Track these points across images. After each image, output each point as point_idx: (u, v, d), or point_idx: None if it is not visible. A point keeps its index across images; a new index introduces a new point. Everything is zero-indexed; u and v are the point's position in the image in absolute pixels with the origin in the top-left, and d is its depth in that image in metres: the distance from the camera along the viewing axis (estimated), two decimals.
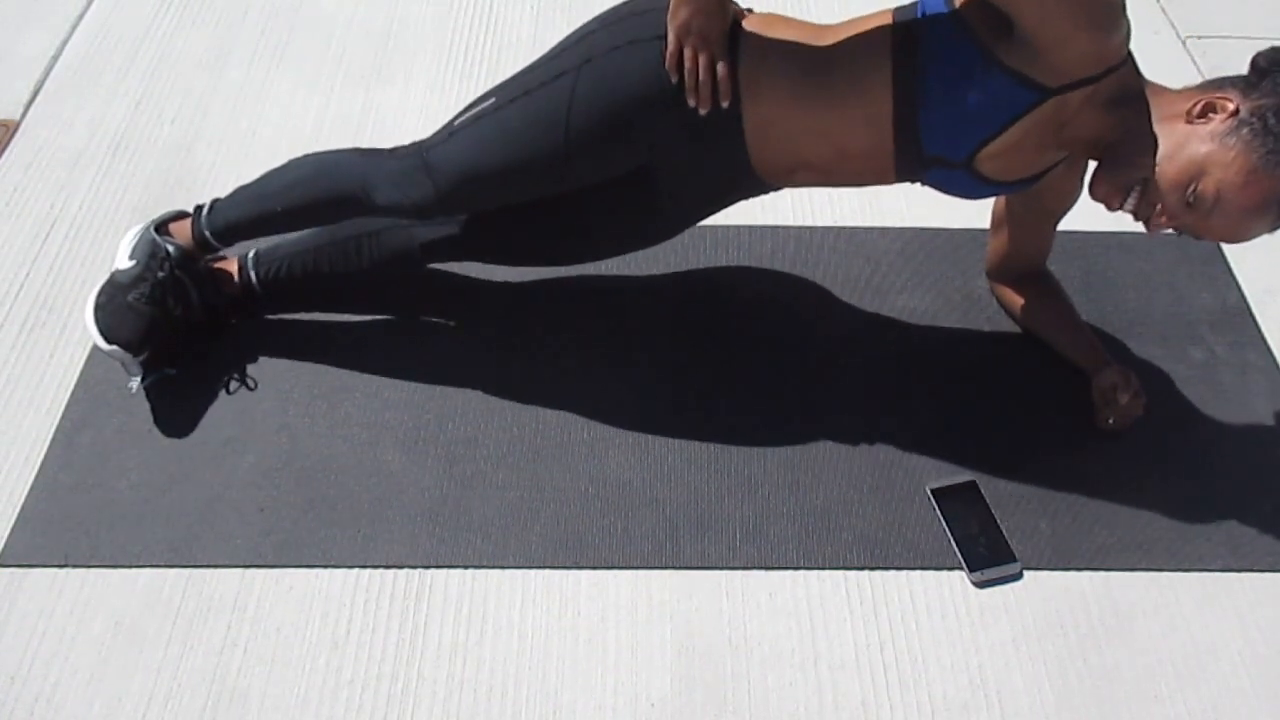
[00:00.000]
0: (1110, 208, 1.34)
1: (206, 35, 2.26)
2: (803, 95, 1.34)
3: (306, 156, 1.60)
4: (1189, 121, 1.28)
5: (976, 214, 1.85)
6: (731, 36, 1.34)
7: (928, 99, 1.29)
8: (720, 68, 1.32)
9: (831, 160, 1.39)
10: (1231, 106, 1.26)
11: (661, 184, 1.50)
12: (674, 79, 1.34)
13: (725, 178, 1.47)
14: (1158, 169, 1.28)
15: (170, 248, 1.60)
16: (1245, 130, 1.25)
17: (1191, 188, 1.27)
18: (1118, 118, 1.30)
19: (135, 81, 2.15)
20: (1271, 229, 1.30)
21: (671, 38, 1.32)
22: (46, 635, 1.39)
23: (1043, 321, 1.71)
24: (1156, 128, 1.30)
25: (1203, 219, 1.29)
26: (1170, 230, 1.33)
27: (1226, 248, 1.89)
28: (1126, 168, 1.30)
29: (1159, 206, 1.30)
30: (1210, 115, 1.27)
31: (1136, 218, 1.33)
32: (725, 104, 1.34)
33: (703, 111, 1.35)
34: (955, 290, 1.81)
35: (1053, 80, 1.24)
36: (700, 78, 1.32)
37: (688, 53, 1.31)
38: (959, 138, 1.31)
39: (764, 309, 1.77)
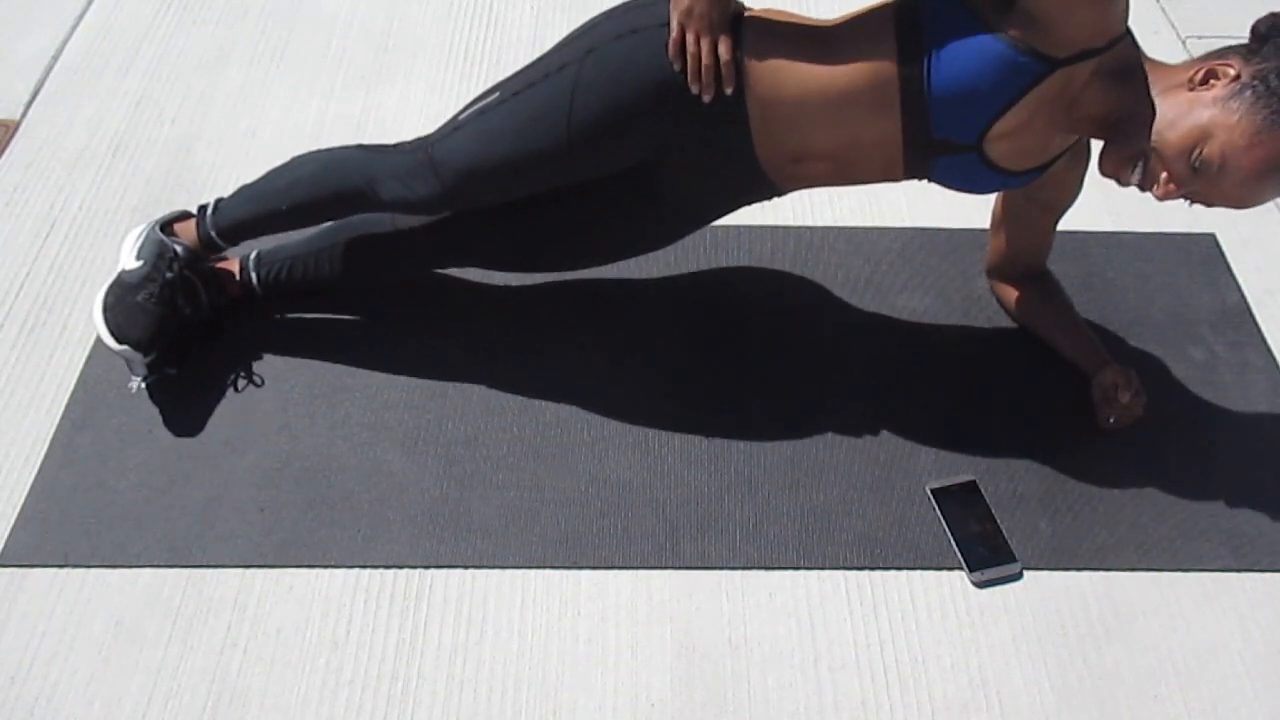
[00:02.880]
0: (1120, 181, 1.34)
1: (206, 35, 2.26)
2: (807, 79, 1.34)
3: (309, 154, 1.60)
4: (1191, 89, 1.29)
5: (976, 214, 1.85)
6: (734, 25, 1.34)
7: (935, 78, 1.29)
8: (723, 53, 1.32)
9: (838, 149, 1.39)
10: (1233, 72, 1.27)
11: (665, 183, 1.49)
12: (677, 66, 1.34)
13: (730, 174, 1.47)
14: (1162, 136, 1.29)
15: (178, 248, 1.60)
16: (1248, 93, 1.26)
17: (1196, 152, 1.27)
18: (1121, 92, 1.31)
19: (135, 81, 2.15)
20: (1278, 193, 1.30)
21: (674, 24, 1.32)
22: (46, 635, 1.39)
23: (1043, 321, 1.71)
24: (1158, 98, 1.31)
25: (1210, 184, 1.29)
26: (1180, 199, 1.33)
27: (1226, 247, 1.89)
28: (1132, 139, 1.31)
29: (1165, 174, 1.31)
30: (1212, 81, 1.29)
31: (1143, 188, 1.34)
32: (729, 90, 1.34)
33: (706, 98, 1.35)
34: (955, 290, 1.81)
35: (1059, 51, 1.24)
36: (704, 63, 1.32)
37: (690, 38, 1.32)
38: (968, 116, 1.31)
39: (764, 309, 1.77)
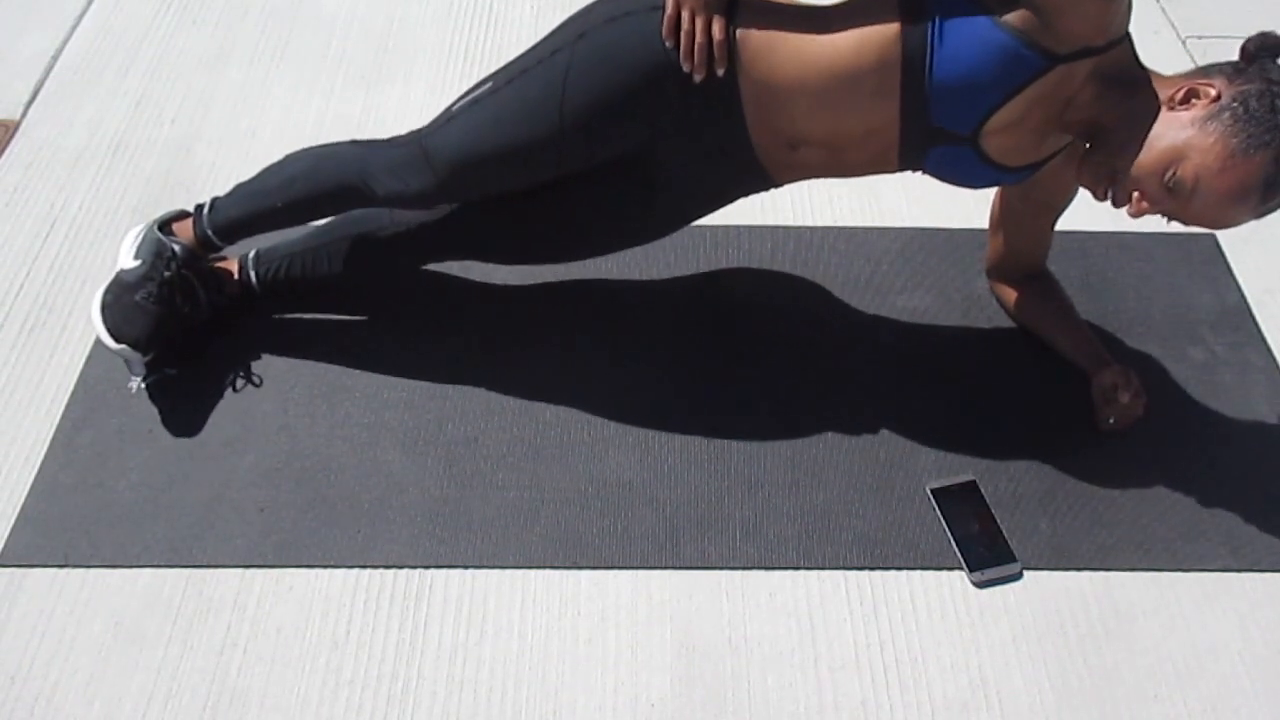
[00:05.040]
0: (1095, 195, 1.34)
1: (206, 35, 2.26)
2: (803, 58, 1.33)
3: (304, 150, 1.60)
4: (1170, 108, 1.29)
5: (976, 214, 1.85)
6: (729, 6, 1.34)
7: (937, 65, 1.28)
8: (716, 32, 1.31)
9: (834, 135, 1.38)
10: (1214, 92, 1.26)
11: (662, 172, 1.49)
12: (670, 44, 1.33)
13: (726, 161, 1.46)
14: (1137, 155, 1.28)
15: (176, 247, 1.60)
16: (1226, 115, 1.25)
17: (1170, 173, 1.26)
18: (1116, 99, 1.31)
19: (135, 81, 2.15)
20: (1256, 214, 1.29)
21: (670, 2, 1.32)
22: (46, 635, 1.39)
23: (1043, 321, 1.71)
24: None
25: (1183, 204, 1.28)
26: (1158, 216, 1.33)
27: (1226, 247, 1.89)
28: (1112, 153, 1.31)
29: (1137, 193, 1.30)
30: (1193, 101, 1.27)
31: (1116, 205, 1.33)
32: (720, 71, 1.34)
33: (697, 78, 1.34)
34: (955, 290, 1.81)
35: (1059, 47, 1.24)
36: (697, 40, 1.31)
37: (684, 15, 1.31)
38: (967, 106, 1.31)
39: (764, 309, 1.77)
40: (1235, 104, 1.25)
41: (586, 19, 1.40)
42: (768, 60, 1.34)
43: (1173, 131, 1.27)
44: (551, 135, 1.40)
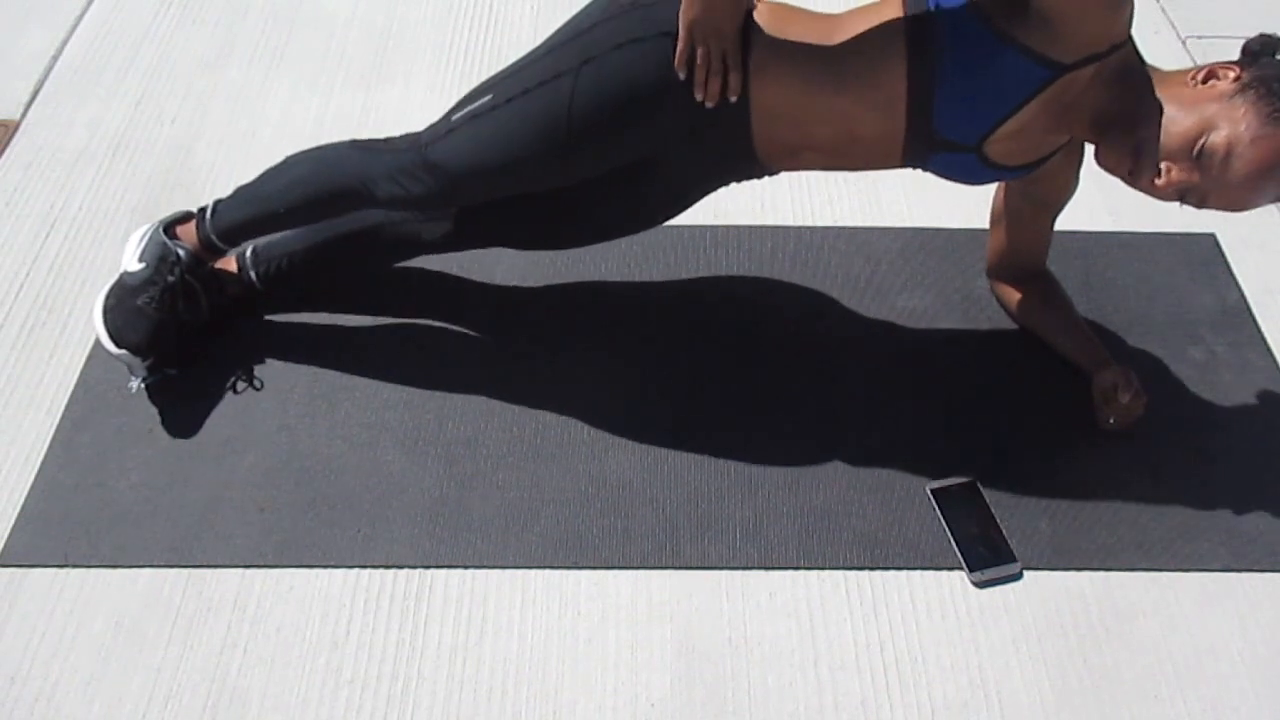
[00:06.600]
0: (1122, 173, 1.33)
1: (206, 35, 2.26)
2: (814, 82, 1.34)
3: (304, 153, 1.60)
4: (1193, 87, 1.31)
5: (976, 214, 1.85)
6: (742, 34, 1.34)
7: (943, 82, 1.29)
8: (731, 63, 1.31)
9: (838, 143, 1.39)
10: (1234, 74, 1.29)
11: (660, 170, 1.49)
12: (683, 76, 1.33)
13: (725, 162, 1.47)
14: (1165, 129, 1.29)
15: (181, 252, 1.60)
16: (1251, 92, 1.27)
17: (1201, 142, 1.27)
18: (1120, 91, 1.32)
19: (135, 81, 2.15)
20: (1275, 197, 1.31)
21: (683, 33, 1.30)
22: (46, 635, 1.39)
23: (1043, 321, 1.71)
24: (1161, 93, 1.31)
25: (1212, 178, 1.28)
26: (1177, 199, 1.32)
27: (1226, 247, 1.89)
28: (1131, 132, 1.31)
29: (1166, 165, 1.30)
30: (1213, 81, 1.30)
31: (1140, 179, 1.31)
32: (734, 98, 1.34)
33: (710, 105, 1.35)
34: (955, 290, 1.81)
35: (1066, 56, 1.25)
36: (711, 73, 1.32)
37: (700, 50, 1.31)
38: (973, 120, 1.31)
39: (764, 309, 1.77)
40: (1258, 84, 1.27)
41: (591, 39, 1.38)
42: (779, 82, 1.35)
43: (1201, 105, 1.29)
44: (554, 156, 1.40)
